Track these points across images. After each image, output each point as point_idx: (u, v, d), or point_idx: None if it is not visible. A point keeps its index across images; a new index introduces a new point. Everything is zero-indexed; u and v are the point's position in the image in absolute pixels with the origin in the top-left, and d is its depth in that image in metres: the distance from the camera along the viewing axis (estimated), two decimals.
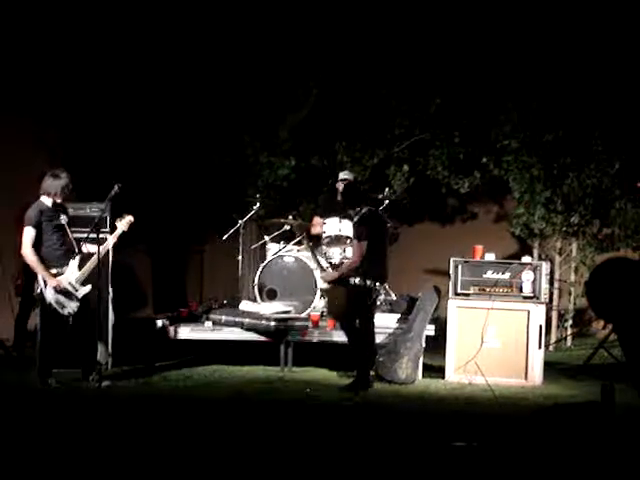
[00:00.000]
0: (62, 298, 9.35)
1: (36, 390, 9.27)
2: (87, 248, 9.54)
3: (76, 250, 9.50)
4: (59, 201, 9.48)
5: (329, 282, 10.63)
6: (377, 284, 9.78)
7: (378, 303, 10.67)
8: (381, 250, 9.90)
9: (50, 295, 9.34)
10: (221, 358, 10.99)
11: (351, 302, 9.90)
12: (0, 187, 11.88)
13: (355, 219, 9.90)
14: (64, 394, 9.12)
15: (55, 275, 9.30)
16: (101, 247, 9.37)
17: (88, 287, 9.45)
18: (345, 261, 10.92)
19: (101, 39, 12.44)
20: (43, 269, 9.28)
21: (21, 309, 11.41)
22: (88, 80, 12.54)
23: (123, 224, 9.59)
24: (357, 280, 9.67)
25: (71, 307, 9.40)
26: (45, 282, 9.34)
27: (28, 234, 9.28)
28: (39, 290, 9.43)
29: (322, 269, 11.32)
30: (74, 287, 9.40)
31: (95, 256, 9.38)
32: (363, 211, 9.88)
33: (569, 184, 12.69)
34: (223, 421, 8.04)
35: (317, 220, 12.21)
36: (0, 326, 11.60)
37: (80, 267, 9.44)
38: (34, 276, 9.51)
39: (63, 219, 9.48)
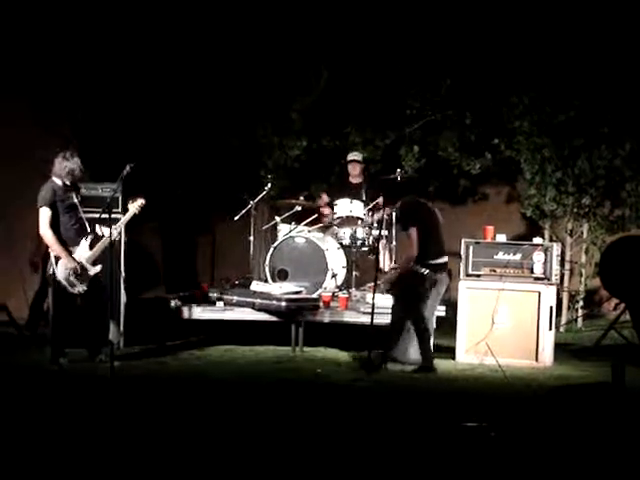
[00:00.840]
0: (72, 277, 9.39)
1: (48, 369, 9.32)
2: (101, 230, 9.56)
3: (88, 230, 9.54)
4: (69, 182, 9.52)
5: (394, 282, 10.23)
6: (434, 273, 9.64)
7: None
8: (432, 237, 9.75)
9: (61, 273, 9.38)
10: (232, 338, 11.02)
11: (408, 286, 9.75)
12: (13, 173, 11.92)
13: (396, 212, 9.86)
14: (75, 373, 9.16)
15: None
16: (112, 228, 9.41)
17: (98, 267, 9.49)
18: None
19: (112, 24, 12.45)
20: (62, 249, 9.33)
21: (40, 288, 11.47)
22: (100, 61, 12.55)
23: (135, 206, 9.59)
24: (414, 268, 9.59)
25: (81, 286, 9.44)
26: (57, 260, 9.38)
27: (44, 214, 9.32)
28: (51, 270, 9.47)
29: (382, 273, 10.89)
30: (85, 267, 9.44)
31: (106, 237, 9.42)
32: (400, 201, 9.87)
33: (580, 165, 12.68)
34: (234, 401, 8.06)
35: (324, 198, 12.24)
36: (13, 305, 11.65)
37: (91, 247, 9.48)
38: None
39: (75, 199, 9.52)
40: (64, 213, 9.43)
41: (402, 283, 9.80)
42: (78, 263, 9.38)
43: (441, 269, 9.75)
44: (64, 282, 9.41)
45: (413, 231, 9.62)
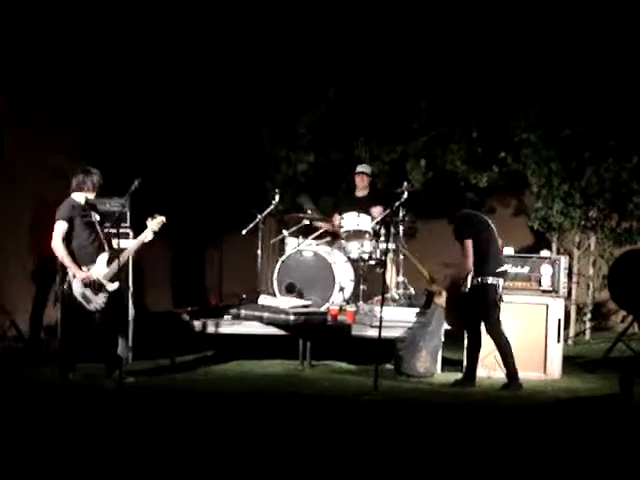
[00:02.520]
0: (89, 293, 9.36)
1: (56, 384, 9.32)
2: (120, 243, 9.56)
3: (106, 248, 9.53)
4: (91, 197, 9.50)
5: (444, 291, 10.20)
6: (499, 280, 9.60)
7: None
8: (491, 247, 9.70)
9: (77, 289, 9.38)
10: (241, 352, 11.03)
11: (474, 303, 9.65)
12: (23, 188, 11.97)
13: (453, 224, 9.86)
14: (85, 388, 9.16)
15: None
16: (132, 245, 9.42)
17: (116, 284, 9.48)
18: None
19: (122, 39, 12.49)
20: (71, 262, 9.31)
21: (36, 302, 11.50)
22: (109, 76, 12.59)
23: (154, 224, 9.53)
24: (478, 279, 9.53)
25: (97, 302, 9.41)
26: (74, 276, 9.40)
27: (59, 227, 9.31)
28: (66, 285, 9.46)
29: (434, 281, 10.70)
30: (101, 283, 9.41)
31: (124, 254, 9.43)
32: (458, 214, 9.88)
33: (587, 178, 12.69)
34: (242, 415, 8.07)
35: (336, 218, 12.25)
36: (23, 321, 11.70)
37: (108, 264, 9.46)
38: (52, 271, 9.56)
39: (95, 217, 9.50)
40: (83, 230, 9.39)
41: (472, 299, 9.66)
42: (90, 276, 9.37)
43: (504, 276, 9.74)
44: (80, 298, 9.40)
45: (468, 243, 9.59)
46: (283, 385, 9.56)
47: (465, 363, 9.80)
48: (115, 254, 9.41)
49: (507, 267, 9.83)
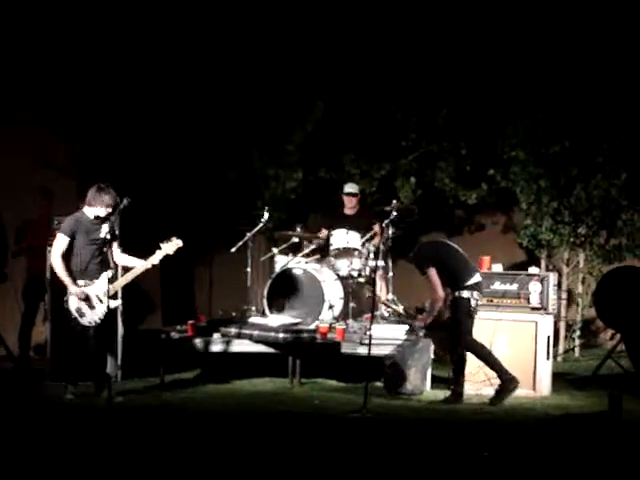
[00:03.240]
0: (84, 307, 9.35)
1: (42, 403, 9.32)
2: (123, 261, 9.61)
3: (111, 265, 9.53)
4: (102, 214, 9.45)
5: (425, 325, 10.20)
6: (472, 293, 9.64)
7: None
8: (453, 263, 9.76)
9: (73, 303, 9.36)
10: (230, 370, 11.01)
11: (456, 317, 9.70)
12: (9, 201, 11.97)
13: (411, 256, 9.90)
14: (71, 407, 9.15)
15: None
16: (139, 266, 9.43)
17: (118, 302, 9.47)
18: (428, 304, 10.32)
19: (110, 57, 12.53)
20: (66, 277, 9.29)
21: (24, 320, 11.49)
22: (98, 94, 12.63)
23: (170, 247, 9.55)
24: (455, 294, 9.60)
25: (92, 318, 9.39)
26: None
27: (60, 242, 9.33)
28: (65, 298, 9.44)
29: (411, 317, 10.95)
30: (100, 299, 9.39)
31: (128, 274, 9.45)
32: (415, 248, 9.92)
33: (576, 195, 12.72)
34: (232, 433, 8.05)
35: (323, 232, 12.25)
36: (12, 340, 11.67)
37: (111, 282, 9.41)
38: (42, 289, 9.54)
39: (103, 233, 9.44)
40: (87, 245, 9.37)
41: (449, 315, 9.74)
42: (92, 292, 9.33)
43: (479, 287, 9.75)
44: (74, 312, 9.38)
45: (432, 272, 9.62)
46: (272, 403, 9.53)
47: (452, 379, 9.80)
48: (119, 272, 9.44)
49: (478, 278, 9.77)
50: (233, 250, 11.93)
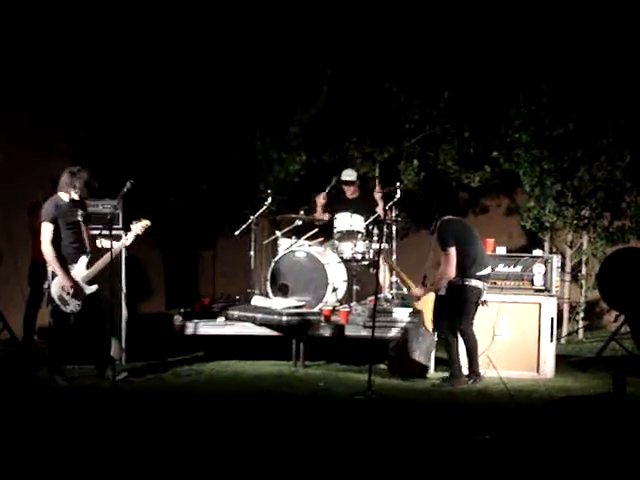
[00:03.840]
0: (66, 295, 9.34)
1: (46, 387, 9.31)
2: (102, 243, 9.52)
3: (88, 249, 9.49)
4: (77, 198, 9.45)
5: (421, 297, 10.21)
6: (481, 283, 9.71)
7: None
8: (474, 250, 9.77)
9: (55, 291, 9.36)
10: (234, 353, 11.03)
11: (454, 302, 9.76)
12: (13, 188, 11.96)
13: (434, 230, 9.88)
14: (75, 391, 9.16)
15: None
16: (114, 247, 9.38)
17: (94, 287, 9.43)
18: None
19: (112, 40, 12.52)
20: (60, 266, 9.27)
21: (29, 304, 11.48)
22: (100, 79, 12.61)
23: (138, 227, 9.50)
24: (461, 280, 9.62)
25: (74, 305, 9.39)
26: (53, 277, 9.37)
27: (46, 230, 9.27)
28: (46, 285, 9.45)
29: (411, 285, 10.71)
30: (80, 286, 9.38)
31: (105, 256, 9.36)
32: (439, 221, 9.88)
33: (580, 177, 12.70)
34: (236, 416, 8.06)
35: (319, 200, 12.22)
36: (16, 324, 11.67)
37: (89, 266, 9.44)
38: (46, 273, 9.53)
39: (79, 215, 9.45)
40: (65, 229, 9.35)
41: (451, 298, 9.76)
42: (74, 282, 9.33)
43: (488, 279, 9.82)
44: (57, 300, 9.38)
45: (452, 251, 9.61)
46: (276, 386, 9.55)
47: (450, 361, 9.89)
48: (96, 256, 9.40)
49: (489, 270, 9.84)
50: (237, 233, 11.93)
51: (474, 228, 10.12)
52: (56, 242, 9.29)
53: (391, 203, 11.25)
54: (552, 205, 12.84)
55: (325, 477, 6.30)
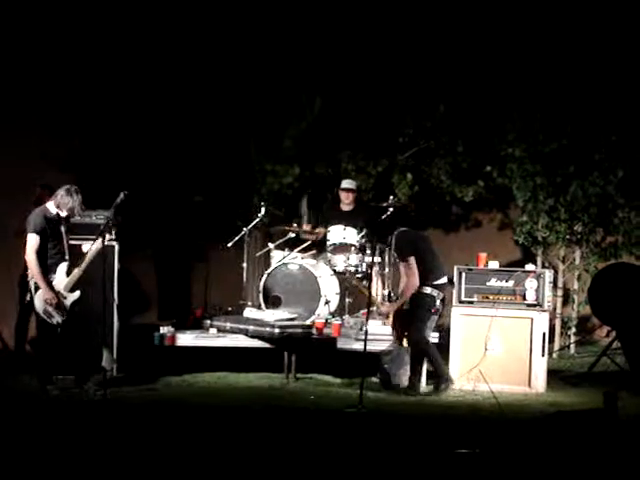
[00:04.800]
0: (50, 308, 9.32)
1: (36, 397, 9.29)
2: (85, 247, 9.53)
3: (67, 257, 9.48)
4: (63, 215, 9.46)
5: (389, 313, 10.40)
6: (436, 292, 9.93)
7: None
8: (430, 260, 10.02)
9: (39, 304, 9.35)
10: (225, 365, 11.01)
11: (409, 311, 10.01)
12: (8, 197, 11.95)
13: (391, 243, 9.99)
14: (65, 401, 9.15)
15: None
16: (90, 253, 9.38)
17: (77, 293, 9.43)
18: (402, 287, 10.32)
19: (108, 50, 12.53)
20: (42, 278, 9.25)
21: (20, 314, 11.45)
22: (94, 90, 12.62)
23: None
24: (422, 290, 9.88)
25: (58, 317, 9.37)
26: (36, 290, 9.35)
27: (32, 240, 9.24)
28: (28, 297, 9.44)
29: (377, 302, 10.91)
30: (62, 295, 9.38)
31: (82, 263, 9.36)
32: (396, 233, 10.06)
33: (573, 192, 12.71)
34: (227, 428, 8.05)
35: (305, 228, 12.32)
36: (8, 333, 11.65)
37: (68, 273, 9.42)
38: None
39: (62, 227, 9.46)
40: (50, 241, 9.34)
41: (410, 306, 9.97)
42: (56, 294, 9.31)
43: (444, 289, 10.03)
44: (42, 314, 9.36)
45: (412, 260, 9.77)
46: (268, 398, 9.55)
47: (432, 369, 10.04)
48: (75, 264, 9.39)
49: (445, 280, 10.05)
50: (229, 245, 11.94)
51: (429, 239, 10.43)
52: (41, 253, 9.27)
53: (384, 217, 11.24)
54: (545, 220, 12.86)
55: None
